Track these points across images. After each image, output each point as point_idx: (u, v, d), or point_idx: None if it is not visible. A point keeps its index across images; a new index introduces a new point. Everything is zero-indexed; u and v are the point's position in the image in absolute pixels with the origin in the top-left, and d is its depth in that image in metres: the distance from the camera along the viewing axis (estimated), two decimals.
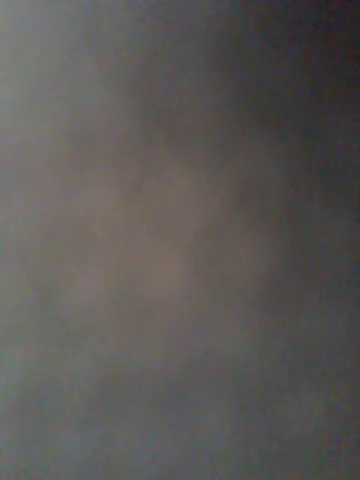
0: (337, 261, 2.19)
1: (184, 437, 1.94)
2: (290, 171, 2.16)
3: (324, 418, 2.12)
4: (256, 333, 2.06)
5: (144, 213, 1.96)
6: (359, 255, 2.22)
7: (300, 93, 2.20)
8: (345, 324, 2.17)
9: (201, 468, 1.96)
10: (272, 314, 2.09)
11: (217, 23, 2.10)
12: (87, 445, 1.84)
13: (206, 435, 1.97)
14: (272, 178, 2.14)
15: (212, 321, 2.01)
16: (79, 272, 1.87)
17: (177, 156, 2.01)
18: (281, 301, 2.10)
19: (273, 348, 2.08)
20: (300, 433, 2.08)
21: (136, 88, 1.98)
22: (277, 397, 2.07)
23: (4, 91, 1.83)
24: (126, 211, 1.94)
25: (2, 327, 1.77)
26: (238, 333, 2.04)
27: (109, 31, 1.96)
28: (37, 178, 1.84)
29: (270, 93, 2.16)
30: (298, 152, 2.18)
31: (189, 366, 1.97)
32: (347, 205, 2.23)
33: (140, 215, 1.95)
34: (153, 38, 2.01)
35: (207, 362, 1.99)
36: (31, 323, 1.80)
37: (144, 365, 1.91)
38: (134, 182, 1.95)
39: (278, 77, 2.17)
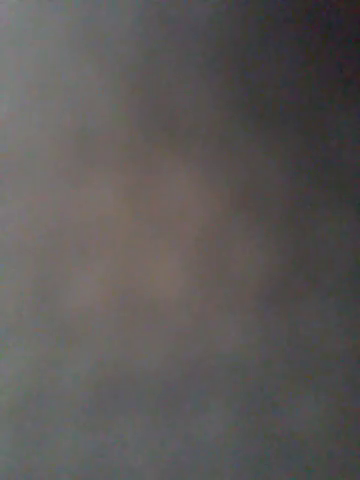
0: (337, 261, 2.19)
1: (184, 437, 1.94)
2: (290, 171, 2.16)
3: (324, 418, 2.12)
4: (256, 333, 2.06)
5: (144, 213, 1.96)
6: (359, 255, 2.22)
7: (300, 93, 2.20)
8: (345, 324, 2.17)
9: (201, 468, 1.96)
10: (272, 314, 2.09)
11: (218, 23, 2.10)
12: (87, 445, 1.84)
13: (206, 435, 1.97)
14: (272, 178, 2.14)
15: (212, 321, 2.01)
16: (79, 272, 1.87)
17: (178, 156, 2.01)
18: (281, 301, 2.10)
19: (273, 348, 2.08)
20: (300, 433, 2.08)
21: (137, 88, 1.98)
22: (277, 397, 2.07)
23: (3, 90, 1.83)
24: (126, 211, 1.94)
25: (2, 327, 1.77)
26: (238, 333, 2.04)
27: (110, 31, 1.96)
28: (37, 178, 1.85)
29: (270, 93, 2.16)
30: (298, 152, 2.18)
31: (189, 367, 1.97)
32: (347, 205, 2.23)
33: (140, 215, 1.95)
34: (154, 38, 2.01)
35: (207, 363, 1.99)
36: (31, 323, 1.80)
37: (144, 365, 1.91)
38: (134, 182, 1.95)
39: (278, 77, 2.17)
